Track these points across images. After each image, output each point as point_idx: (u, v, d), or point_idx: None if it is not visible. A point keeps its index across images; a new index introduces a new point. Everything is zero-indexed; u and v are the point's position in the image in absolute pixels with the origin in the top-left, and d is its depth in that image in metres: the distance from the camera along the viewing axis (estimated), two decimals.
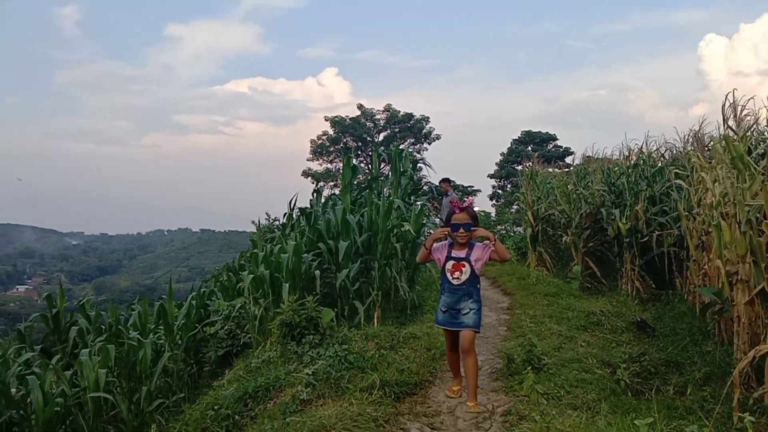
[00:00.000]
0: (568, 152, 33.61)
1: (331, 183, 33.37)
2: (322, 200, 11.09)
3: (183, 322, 9.17)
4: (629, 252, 10.10)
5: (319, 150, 38.25)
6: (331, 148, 38.12)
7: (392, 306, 9.00)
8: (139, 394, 7.75)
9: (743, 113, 6.05)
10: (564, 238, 12.17)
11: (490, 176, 36.64)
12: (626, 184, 10.59)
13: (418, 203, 11.98)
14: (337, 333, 6.46)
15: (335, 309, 7.69)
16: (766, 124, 6.79)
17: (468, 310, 4.76)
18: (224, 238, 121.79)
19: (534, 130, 37.05)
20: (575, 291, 10.00)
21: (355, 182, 11.08)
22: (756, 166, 5.52)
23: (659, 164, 10.96)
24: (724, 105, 6.48)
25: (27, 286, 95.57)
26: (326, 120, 38.63)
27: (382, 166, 16.84)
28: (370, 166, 32.89)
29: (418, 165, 16.78)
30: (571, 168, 15.95)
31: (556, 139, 36.56)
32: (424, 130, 38.69)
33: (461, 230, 4.75)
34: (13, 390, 6.77)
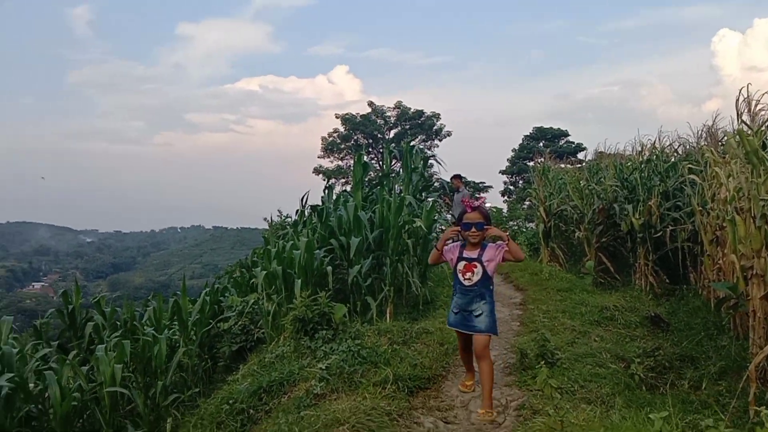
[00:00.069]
0: (580, 148, 33.40)
1: (343, 180, 33.40)
2: (334, 197, 11.11)
3: (197, 318, 9.24)
4: (643, 247, 10.05)
5: (330, 147, 38.27)
6: (342, 146, 38.13)
7: (404, 302, 9.02)
8: (155, 389, 7.82)
9: (757, 108, 6.01)
10: (577, 234, 12.12)
11: (502, 172, 36.47)
12: (639, 179, 10.52)
13: (430, 200, 11.99)
14: (349, 328, 6.48)
15: (347, 305, 7.72)
16: None
17: (480, 312, 4.59)
18: (237, 235, 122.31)
19: (545, 126, 36.85)
20: (588, 286, 9.97)
21: (366, 179, 11.09)
22: None
23: (672, 159, 10.89)
24: (737, 100, 6.44)
25: (43, 284, 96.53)
26: (337, 117, 38.66)
27: (393, 162, 16.90)
28: (381, 163, 32.90)
29: (429, 162, 16.77)
30: (584, 164, 15.88)
31: (568, 135, 36.32)
32: (435, 127, 38.59)
33: (473, 229, 4.61)
34: (31, 385, 6.86)
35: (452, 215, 15.41)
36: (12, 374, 6.23)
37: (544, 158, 16.13)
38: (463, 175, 15.49)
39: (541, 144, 33.96)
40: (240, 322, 8.82)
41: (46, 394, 6.74)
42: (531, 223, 20.25)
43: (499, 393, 4.97)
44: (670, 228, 9.52)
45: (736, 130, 7.27)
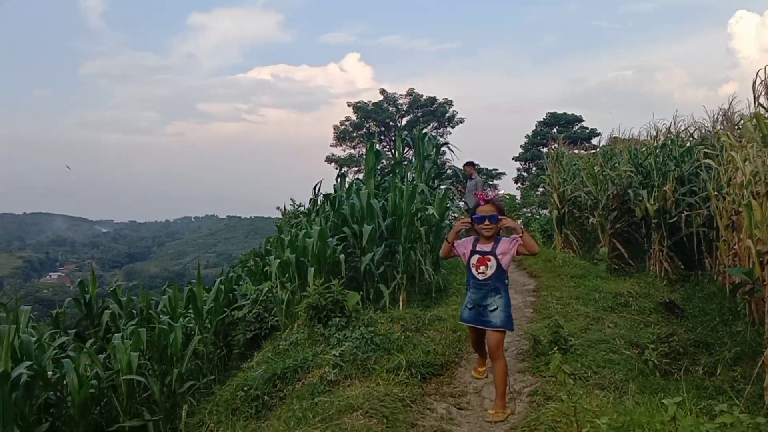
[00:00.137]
0: (594, 134, 33.13)
1: (355, 168, 33.39)
2: (346, 185, 11.12)
3: (212, 306, 9.31)
4: (657, 233, 9.98)
5: (342, 136, 38.25)
6: (354, 134, 38.09)
7: (417, 289, 9.03)
8: (171, 377, 7.91)
9: None
10: (591, 220, 12.04)
11: (515, 159, 36.28)
12: (654, 164, 10.43)
13: (442, 187, 11.96)
14: (362, 316, 6.51)
15: (360, 292, 7.75)
16: None
17: (495, 307, 4.45)
18: (250, 224, 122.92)
19: (559, 112, 36.54)
20: (602, 272, 9.92)
21: (378, 167, 11.09)
22: None
23: (688, 144, 10.77)
24: (754, 82, 6.35)
25: (59, 273, 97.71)
26: (349, 105, 38.59)
27: (405, 150, 16.83)
28: (393, 151, 32.84)
29: (442, 149, 16.71)
30: (598, 149, 15.75)
31: (582, 121, 36.00)
32: (448, 114, 38.42)
33: (486, 222, 4.47)
34: (50, 373, 6.96)
35: (465, 203, 15.38)
36: (30, 362, 6.32)
37: (558, 144, 16.00)
38: (476, 162, 15.45)
39: (554, 130, 33.72)
40: (254, 310, 8.89)
41: (64, 382, 6.83)
42: (544, 210, 20.13)
43: (512, 379, 4.97)
44: (685, 213, 9.44)
45: (752, 113, 7.17)
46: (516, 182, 34.91)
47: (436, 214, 9.44)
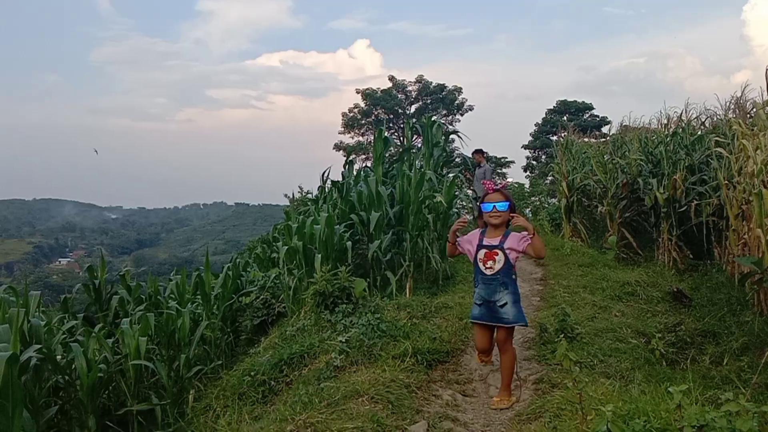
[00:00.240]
0: (604, 122, 32.99)
1: (363, 156, 33.36)
2: (354, 173, 11.11)
3: (220, 292, 9.35)
4: (666, 222, 9.92)
5: (350, 123, 38.22)
6: (363, 121, 38.05)
7: (424, 277, 9.04)
8: (178, 362, 7.96)
9: None
10: (599, 209, 11.99)
11: (524, 147, 36.17)
12: (664, 152, 10.35)
13: (451, 175, 11.93)
14: (369, 302, 6.51)
15: (367, 279, 7.76)
16: None
17: (504, 302, 4.31)
18: (259, 212, 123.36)
19: (569, 100, 36.33)
20: (610, 261, 9.89)
21: (387, 155, 11.07)
22: None
23: (699, 132, 10.67)
24: (767, 70, 6.27)
25: (69, 259, 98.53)
26: (358, 92, 38.55)
27: (414, 138, 16.78)
28: (402, 138, 32.77)
29: (451, 136, 16.65)
30: (608, 138, 15.66)
31: (593, 109, 35.82)
32: (457, 102, 38.31)
33: (494, 209, 4.32)
34: (59, 357, 7.02)
35: (473, 191, 15.32)
36: (40, 346, 6.37)
37: (568, 132, 15.92)
38: (485, 150, 15.36)
39: (564, 118, 33.51)
40: (262, 297, 8.93)
41: (73, 366, 6.89)
42: (553, 199, 20.06)
43: (518, 367, 4.97)
44: (695, 202, 9.38)
45: (765, 101, 7.10)
46: (525, 171, 34.87)
47: (444, 201, 9.43)
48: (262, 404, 5.14)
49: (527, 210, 20.70)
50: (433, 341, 5.40)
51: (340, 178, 10.79)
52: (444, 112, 37.87)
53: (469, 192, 16.90)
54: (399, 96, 38.57)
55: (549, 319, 5.92)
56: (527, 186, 24.09)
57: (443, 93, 38.13)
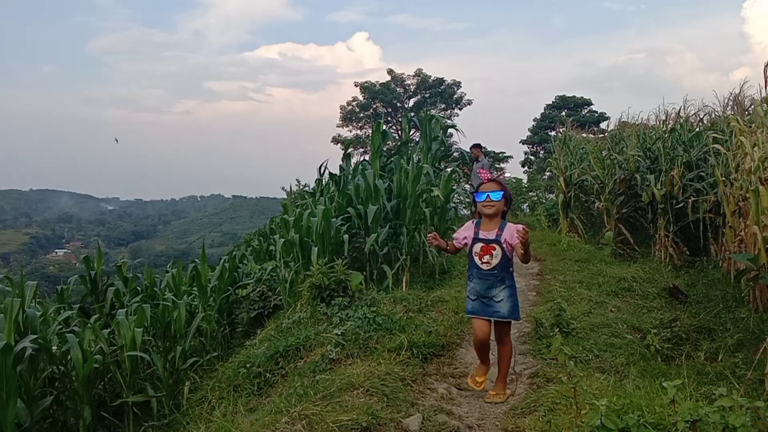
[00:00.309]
0: (603, 117, 32.86)
1: (361, 150, 33.30)
2: (352, 166, 11.09)
3: (216, 284, 9.35)
4: (663, 218, 9.93)
5: (348, 116, 38.11)
6: (361, 114, 37.95)
7: (421, 270, 9.05)
8: (174, 353, 7.96)
9: None
10: (597, 204, 12.01)
11: (523, 142, 36.11)
12: (662, 149, 10.35)
13: (448, 169, 11.93)
14: (365, 296, 6.52)
15: (364, 273, 7.77)
16: None
17: (501, 298, 4.14)
18: (256, 204, 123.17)
19: (568, 95, 36.27)
20: (607, 257, 9.92)
21: (384, 148, 11.06)
22: None
23: (697, 129, 10.68)
24: (766, 67, 6.27)
25: (65, 250, 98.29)
26: (356, 86, 38.40)
27: (412, 132, 16.76)
28: (400, 132, 32.71)
29: (449, 131, 16.63)
30: (606, 133, 15.64)
31: (591, 104, 35.74)
32: (456, 96, 38.20)
33: (488, 198, 4.15)
34: (54, 347, 7.01)
35: (471, 185, 15.34)
36: (35, 336, 6.37)
37: (566, 127, 15.90)
38: (483, 144, 15.36)
39: (563, 113, 33.46)
40: (258, 289, 8.92)
41: (69, 357, 6.89)
42: (551, 194, 20.08)
43: (514, 361, 4.97)
44: (692, 199, 9.39)
45: (763, 98, 7.10)
46: (523, 166, 34.80)
47: (441, 195, 9.42)
48: (258, 396, 5.14)
49: (525, 205, 20.72)
50: (429, 335, 5.41)
51: (338, 172, 10.78)
52: (442, 106, 37.76)
53: (467, 186, 16.91)
54: (397, 89, 38.47)
55: (545, 313, 5.94)
56: (525, 181, 24.10)
57: (442, 87, 38.03)
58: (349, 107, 38.27)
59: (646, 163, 10.71)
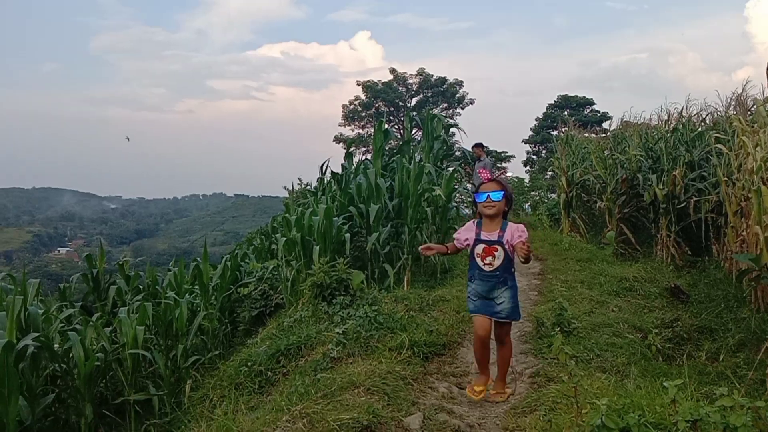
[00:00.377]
0: (605, 117, 32.86)
1: (363, 149, 33.28)
2: (354, 165, 11.10)
3: (218, 283, 9.37)
4: (665, 218, 9.93)
5: (351, 115, 38.10)
6: (363, 113, 37.93)
7: (422, 270, 9.05)
8: (176, 351, 7.98)
9: None
10: (598, 204, 12.00)
11: (525, 142, 36.10)
12: (664, 148, 10.34)
13: (450, 168, 11.92)
14: (367, 295, 6.52)
15: (365, 272, 7.77)
16: None
17: (503, 300, 4.08)
18: (258, 203, 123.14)
19: (570, 95, 36.23)
20: (608, 257, 9.90)
21: (386, 147, 11.06)
22: None
23: (699, 129, 10.67)
24: None
25: (68, 249, 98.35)
26: (358, 85, 38.38)
27: (414, 131, 16.76)
28: (402, 131, 32.72)
29: (451, 130, 16.61)
30: (608, 133, 15.63)
31: (593, 104, 35.72)
32: (458, 95, 38.17)
33: (488, 198, 4.06)
34: (56, 345, 7.02)
35: (473, 184, 15.31)
36: (37, 334, 6.38)
37: (569, 127, 15.89)
38: (485, 144, 15.34)
39: (565, 113, 33.44)
40: (260, 288, 8.94)
41: (71, 354, 6.90)
42: (553, 194, 20.06)
43: (515, 360, 4.98)
44: (694, 199, 9.38)
45: (766, 98, 7.10)
46: (525, 165, 34.79)
47: (443, 195, 9.42)
48: (259, 394, 5.15)
49: (527, 205, 20.71)
50: (430, 334, 5.41)
51: (340, 171, 10.79)
52: (444, 105, 37.75)
53: (469, 186, 16.89)
54: (400, 88, 38.45)
55: (546, 313, 5.93)
56: (527, 181, 24.07)
57: (444, 86, 37.99)
58: (352, 106, 38.26)
59: (648, 162, 10.70)
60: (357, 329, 5.28)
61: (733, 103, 9.48)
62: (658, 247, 10.16)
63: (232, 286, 9.37)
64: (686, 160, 9.89)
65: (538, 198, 20.78)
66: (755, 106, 8.08)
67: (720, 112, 10.40)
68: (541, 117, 36.04)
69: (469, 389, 4.33)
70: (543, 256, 10.35)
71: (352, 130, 38.01)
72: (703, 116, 11.21)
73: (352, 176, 10.12)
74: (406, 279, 8.49)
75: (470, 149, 14.87)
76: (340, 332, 5.27)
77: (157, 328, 8.11)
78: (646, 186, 10.42)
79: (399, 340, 5.03)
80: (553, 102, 36.34)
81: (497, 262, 4.07)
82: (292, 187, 19.33)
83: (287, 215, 9.69)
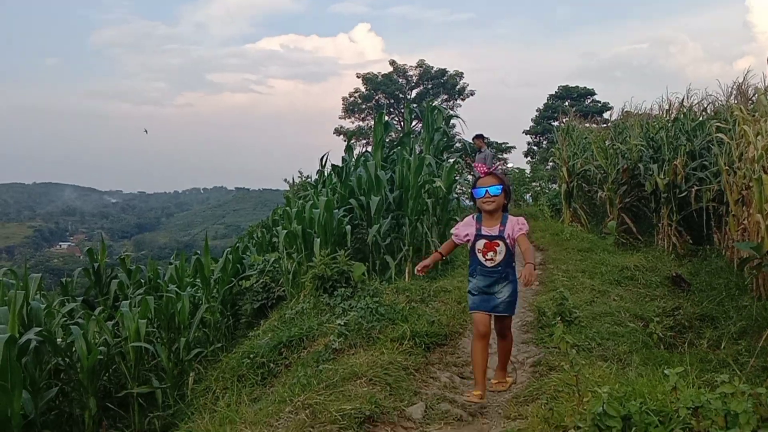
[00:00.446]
0: (606, 107, 32.74)
1: (364, 141, 33.21)
2: (354, 157, 11.09)
3: (219, 276, 9.38)
4: (666, 207, 9.92)
5: (350, 108, 37.99)
6: (363, 106, 37.81)
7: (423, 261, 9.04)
8: (178, 344, 7.99)
9: None
10: (600, 194, 11.99)
11: (526, 132, 36.00)
12: (665, 138, 10.32)
13: (451, 160, 11.90)
14: (368, 286, 6.53)
15: (366, 264, 7.78)
16: None
17: (503, 295, 4.01)
18: (259, 196, 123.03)
19: (571, 85, 36.11)
20: (610, 246, 9.91)
21: (387, 139, 11.04)
22: None
23: (700, 118, 10.64)
24: None
25: (69, 243, 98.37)
26: (358, 77, 38.24)
27: (414, 122, 16.73)
28: (402, 123, 32.63)
29: (451, 121, 16.57)
30: (609, 123, 15.60)
31: (594, 94, 35.59)
32: (458, 86, 38.03)
33: (487, 194, 3.96)
34: (59, 339, 7.04)
35: (473, 176, 15.28)
36: (40, 328, 6.40)
37: (569, 118, 15.85)
38: (485, 135, 15.30)
39: (566, 103, 33.32)
40: (261, 280, 8.94)
41: (74, 348, 6.92)
42: (554, 184, 20.03)
43: (516, 350, 4.99)
44: (696, 188, 9.37)
45: (767, 87, 7.07)
46: (526, 156, 34.72)
47: (443, 186, 9.41)
48: (261, 386, 5.17)
49: (528, 195, 20.69)
50: (432, 324, 5.42)
51: (340, 163, 10.78)
52: (445, 96, 37.62)
53: (469, 177, 16.88)
54: (400, 80, 38.31)
55: (547, 303, 5.94)
56: (528, 171, 24.04)
57: (444, 78, 37.85)
58: (351, 99, 38.14)
59: (649, 152, 10.68)
60: (358, 320, 5.29)
61: (734, 92, 9.46)
62: (659, 237, 10.16)
63: (233, 279, 9.38)
64: (687, 150, 9.87)
65: (539, 189, 20.75)
66: (756, 96, 8.06)
67: (721, 101, 10.37)
68: (541, 108, 35.92)
69: (469, 396, 4.01)
70: (544, 247, 10.36)
71: (352, 123, 37.92)
72: (704, 106, 11.18)
73: (352, 168, 10.11)
74: (407, 270, 8.51)
75: (471, 141, 14.84)
76: (342, 324, 5.28)
77: (159, 322, 8.13)
78: (647, 176, 10.40)
79: (400, 331, 5.04)
80: (553, 92, 36.22)
81: (499, 258, 3.98)
82: (293, 180, 19.36)
83: (288, 208, 9.70)
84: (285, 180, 20.03)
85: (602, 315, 5.83)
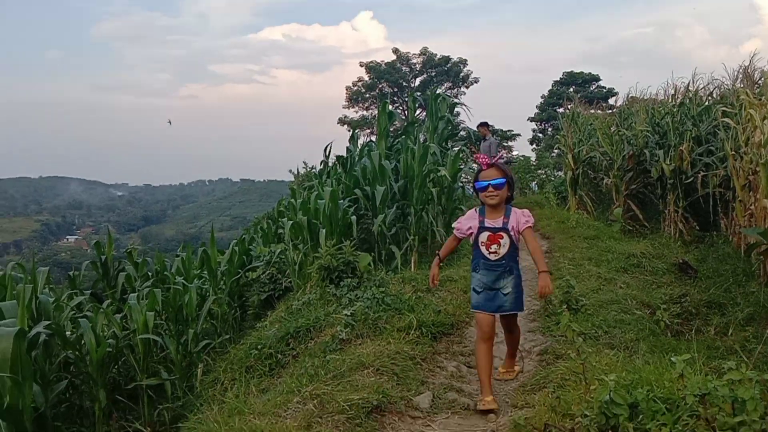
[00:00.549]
0: (611, 93, 32.55)
1: (368, 130, 33.15)
2: (359, 147, 11.07)
3: (226, 268, 9.41)
4: (673, 193, 9.87)
5: (354, 97, 37.93)
6: (367, 95, 37.74)
7: (429, 250, 9.05)
8: (186, 336, 8.03)
9: None
10: (605, 181, 11.94)
11: (531, 120, 35.83)
12: (671, 123, 10.25)
13: (455, 148, 11.87)
14: (374, 276, 6.54)
15: (372, 254, 7.80)
16: None
17: (508, 290, 3.90)
18: (264, 188, 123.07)
19: (576, 71, 35.89)
20: (616, 233, 9.87)
21: (391, 128, 11.02)
22: None
23: (706, 103, 10.56)
24: None
25: (76, 237, 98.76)
26: (361, 66, 38.19)
27: (418, 111, 16.68)
28: (406, 112, 32.53)
29: (456, 109, 16.53)
30: (614, 109, 15.50)
31: (599, 80, 35.38)
32: (462, 74, 37.90)
33: (490, 188, 3.84)
34: (68, 332, 7.09)
35: (478, 164, 15.23)
36: (49, 322, 6.44)
37: (574, 104, 15.77)
38: (490, 123, 15.24)
39: (571, 89, 33.13)
40: (268, 272, 8.98)
41: (83, 341, 6.96)
42: (559, 172, 19.97)
43: (523, 339, 4.99)
44: (702, 174, 9.31)
45: None
46: (531, 143, 34.57)
47: (448, 175, 9.40)
48: (269, 377, 5.19)
49: (533, 183, 20.63)
50: (438, 314, 5.43)
51: (345, 153, 10.76)
52: (449, 84, 37.51)
53: (474, 166, 16.81)
54: (403, 69, 38.20)
55: (554, 291, 5.93)
56: (533, 159, 23.95)
57: (448, 65, 37.72)
58: (355, 88, 38.07)
59: (655, 138, 10.62)
60: (365, 311, 5.30)
61: (740, 76, 9.38)
62: (665, 223, 10.12)
63: (240, 271, 9.41)
64: (693, 135, 9.80)
65: (544, 176, 20.67)
66: (762, 79, 8.00)
67: (727, 85, 10.28)
68: (546, 94, 35.73)
69: (483, 405, 3.74)
70: (550, 234, 10.34)
71: (356, 112, 37.90)
72: (710, 90, 11.09)
73: (357, 158, 10.11)
74: (413, 260, 8.52)
75: (475, 129, 14.79)
76: (349, 314, 5.29)
77: (167, 314, 8.17)
78: (653, 162, 10.35)
79: (407, 321, 5.05)
80: (558, 79, 36.00)
81: (503, 251, 3.88)
82: (297, 171, 19.35)
83: (293, 199, 9.71)
84: (290, 171, 20.03)
85: (609, 303, 5.82)
